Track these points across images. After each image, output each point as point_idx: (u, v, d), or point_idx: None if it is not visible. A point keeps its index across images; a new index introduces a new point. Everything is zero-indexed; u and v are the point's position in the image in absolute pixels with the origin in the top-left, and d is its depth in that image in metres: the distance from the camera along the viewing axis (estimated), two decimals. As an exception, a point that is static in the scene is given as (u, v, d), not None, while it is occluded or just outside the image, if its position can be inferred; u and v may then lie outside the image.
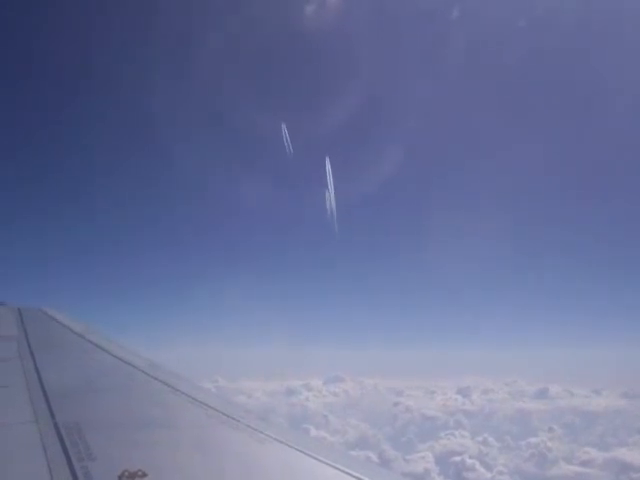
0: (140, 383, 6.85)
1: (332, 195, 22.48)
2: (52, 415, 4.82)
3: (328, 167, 22.17)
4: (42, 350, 8.26)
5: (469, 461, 64.99)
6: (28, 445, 4.08)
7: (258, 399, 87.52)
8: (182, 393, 6.09)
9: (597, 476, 62.79)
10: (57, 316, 11.23)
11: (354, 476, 3.80)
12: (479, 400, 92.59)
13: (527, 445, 72.44)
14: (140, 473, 3.48)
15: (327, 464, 4.01)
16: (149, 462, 3.71)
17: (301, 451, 4.28)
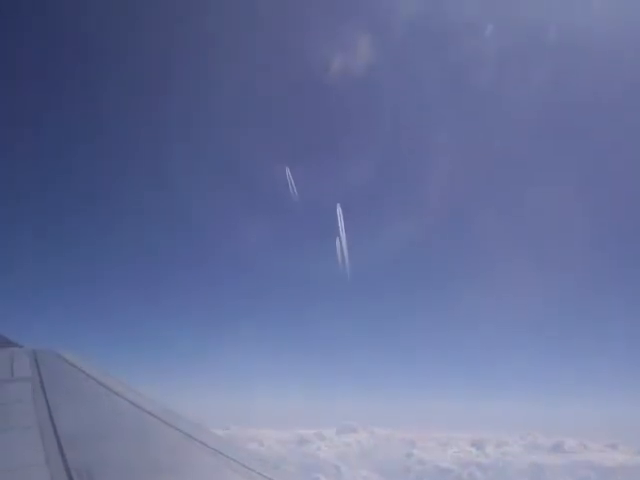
0: (153, 428, 6.82)
1: (344, 243, 22.48)
2: (64, 459, 4.80)
3: (339, 214, 22.20)
4: (56, 393, 8.25)
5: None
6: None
7: (270, 447, 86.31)
8: (195, 440, 6.06)
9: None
10: (71, 359, 11.22)
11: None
12: (493, 453, 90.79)
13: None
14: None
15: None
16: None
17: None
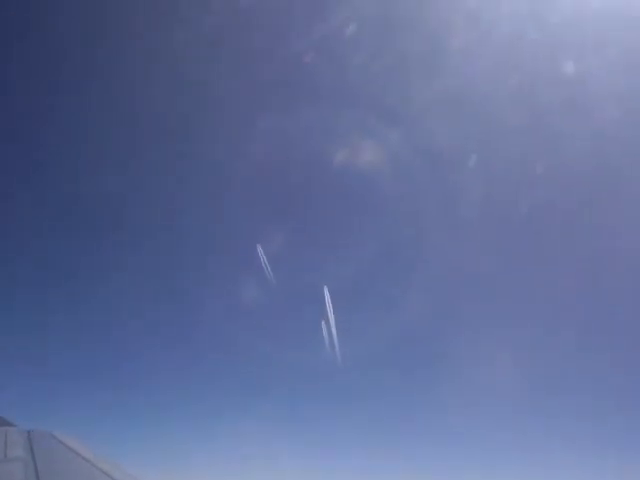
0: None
1: (333, 326, 21.97)
2: None
3: (327, 296, 21.74)
4: (49, 476, 7.97)
5: None
6: None
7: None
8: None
9: None
10: (66, 441, 10.92)
11: None
12: None
13: None
14: None
15: None
16: None
17: None
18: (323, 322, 23.05)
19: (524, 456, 26.87)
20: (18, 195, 25.96)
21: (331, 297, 22.84)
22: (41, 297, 29.27)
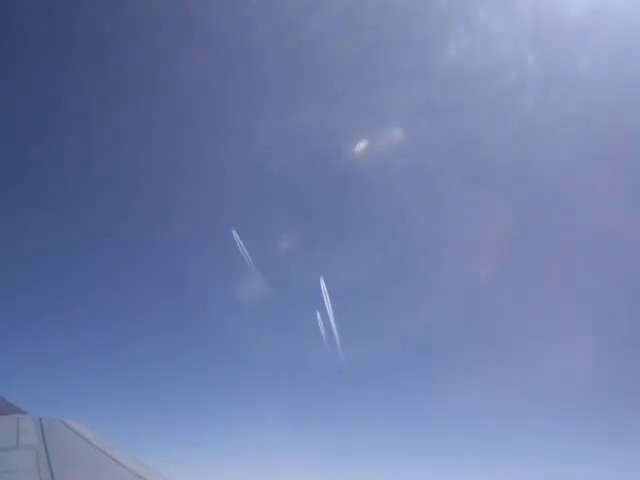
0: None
1: (332, 318, 21.94)
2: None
3: (324, 288, 21.71)
4: (61, 462, 8.12)
5: None
6: None
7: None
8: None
9: None
10: (78, 428, 11.05)
11: None
12: None
13: None
14: None
15: None
16: None
17: None
18: (319, 314, 23.04)
19: (525, 458, 26.97)
20: (17, 193, 26.13)
21: (330, 293, 22.85)
22: (50, 292, 29.53)
